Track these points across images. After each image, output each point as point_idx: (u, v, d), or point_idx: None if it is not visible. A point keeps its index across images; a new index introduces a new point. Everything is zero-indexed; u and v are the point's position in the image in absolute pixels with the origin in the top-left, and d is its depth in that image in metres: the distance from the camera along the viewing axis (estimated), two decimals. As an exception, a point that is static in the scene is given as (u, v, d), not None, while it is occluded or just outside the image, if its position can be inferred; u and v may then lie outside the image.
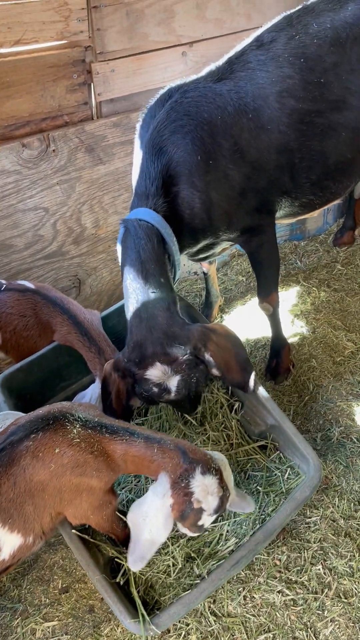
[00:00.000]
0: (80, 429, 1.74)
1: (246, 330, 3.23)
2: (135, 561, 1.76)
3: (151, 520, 1.73)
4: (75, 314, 2.50)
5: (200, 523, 1.77)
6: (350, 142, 2.47)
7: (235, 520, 2.10)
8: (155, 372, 2.01)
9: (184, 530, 1.82)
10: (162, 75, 2.97)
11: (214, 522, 2.09)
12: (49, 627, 2.06)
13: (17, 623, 2.06)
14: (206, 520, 1.77)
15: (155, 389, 2.03)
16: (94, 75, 2.75)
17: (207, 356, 2.02)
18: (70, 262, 3.13)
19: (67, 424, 1.74)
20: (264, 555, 2.15)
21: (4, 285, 2.56)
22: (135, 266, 2.09)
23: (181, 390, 2.04)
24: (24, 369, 2.42)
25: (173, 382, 2.02)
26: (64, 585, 2.17)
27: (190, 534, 1.84)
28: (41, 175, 2.80)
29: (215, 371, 2.07)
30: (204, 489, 1.73)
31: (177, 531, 2.06)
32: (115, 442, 1.77)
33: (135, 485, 2.27)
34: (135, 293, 2.07)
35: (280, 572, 2.12)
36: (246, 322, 3.29)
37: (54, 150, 2.78)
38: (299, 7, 2.44)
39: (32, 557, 2.25)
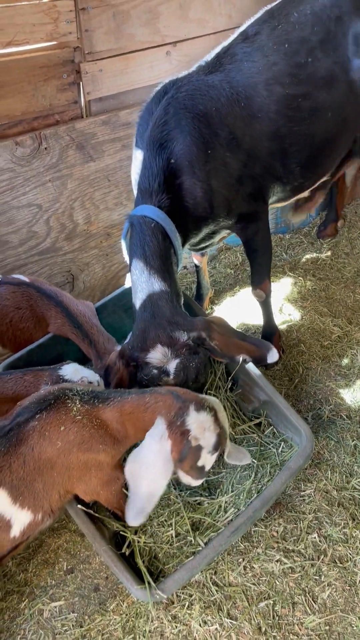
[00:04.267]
0: (79, 406, 1.81)
1: (236, 319, 3.33)
2: (135, 516, 1.72)
3: (150, 466, 1.70)
4: (67, 306, 2.56)
5: (200, 463, 1.73)
6: (337, 116, 2.57)
7: (234, 492, 2.19)
8: (156, 355, 2.07)
9: (185, 478, 1.79)
10: (148, 74, 3.06)
11: (214, 494, 2.16)
12: (55, 607, 2.11)
13: (25, 605, 2.11)
14: (206, 459, 1.73)
15: (155, 372, 2.08)
16: (83, 74, 2.84)
17: (213, 344, 2.09)
18: (63, 257, 3.20)
19: (68, 401, 1.81)
20: (261, 528, 2.23)
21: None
22: (141, 261, 2.19)
23: (179, 373, 2.07)
24: (23, 357, 2.49)
25: (172, 365, 2.07)
26: (69, 567, 2.23)
27: (192, 481, 1.79)
28: (34, 172, 2.87)
29: (221, 358, 2.14)
30: (200, 425, 1.71)
31: (179, 492, 2.11)
32: (107, 408, 1.82)
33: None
34: (142, 287, 2.18)
35: (277, 542, 2.20)
36: (236, 312, 3.39)
37: (46, 148, 2.85)
38: (279, 0, 2.57)
39: (36, 543, 2.30)
